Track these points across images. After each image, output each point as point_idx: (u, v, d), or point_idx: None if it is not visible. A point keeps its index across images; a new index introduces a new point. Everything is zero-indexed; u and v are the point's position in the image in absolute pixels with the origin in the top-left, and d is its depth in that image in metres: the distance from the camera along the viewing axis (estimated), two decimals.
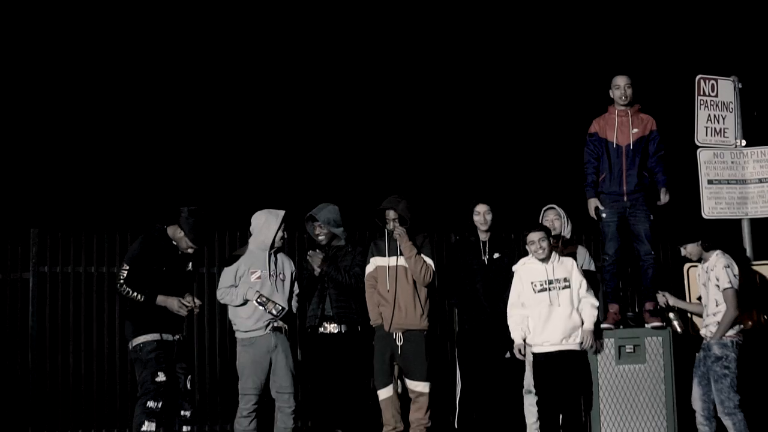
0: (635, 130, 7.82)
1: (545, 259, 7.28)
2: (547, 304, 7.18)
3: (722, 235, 7.95)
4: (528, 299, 7.25)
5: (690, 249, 7.28)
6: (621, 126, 7.83)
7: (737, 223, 8.69)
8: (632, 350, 7.55)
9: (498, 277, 7.57)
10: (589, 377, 7.50)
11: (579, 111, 8.74)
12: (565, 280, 7.20)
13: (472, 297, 7.59)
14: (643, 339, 7.56)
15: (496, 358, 7.51)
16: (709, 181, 8.65)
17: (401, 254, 7.50)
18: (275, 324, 7.45)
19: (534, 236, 7.24)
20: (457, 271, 7.73)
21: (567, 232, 7.94)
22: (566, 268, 7.29)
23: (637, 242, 7.86)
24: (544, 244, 7.22)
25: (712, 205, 8.62)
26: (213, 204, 8.03)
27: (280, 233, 7.53)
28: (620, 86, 7.87)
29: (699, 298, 7.53)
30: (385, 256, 7.55)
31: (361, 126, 10.01)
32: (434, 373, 7.70)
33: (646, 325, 7.70)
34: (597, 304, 7.28)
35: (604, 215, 7.84)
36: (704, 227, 7.66)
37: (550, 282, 7.18)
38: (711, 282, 7.22)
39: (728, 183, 8.67)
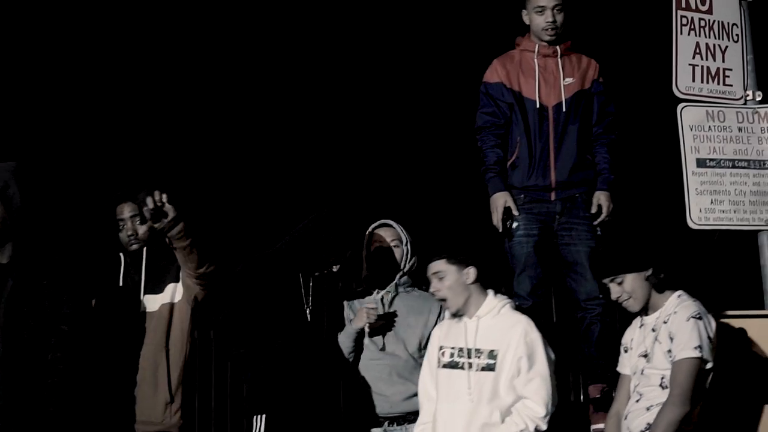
0: (569, 79, 5.42)
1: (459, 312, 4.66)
2: (453, 390, 4.53)
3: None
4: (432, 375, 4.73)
5: (631, 285, 4.53)
6: (545, 72, 5.39)
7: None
8: None
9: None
10: None
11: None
12: (491, 355, 4.51)
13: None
14: None
15: None
16: (699, 162, 5.57)
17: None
18: None
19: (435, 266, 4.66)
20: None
21: (409, 263, 5.27)
22: (499, 333, 4.58)
23: (573, 276, 5.31)
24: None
25: (706, 206, 5.49)
26: None
27: None
28: (545, 8, 5.35)
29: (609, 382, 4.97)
30: None
31: None
32: None
33: (592, 428, 5.16)
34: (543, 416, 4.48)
35: (514, 226, 5.25)
36: (658, 245, 4.74)
37: (463, 351, 4.56)
38: (659, 346, 4.42)
39: (734, 166, 5.56)
